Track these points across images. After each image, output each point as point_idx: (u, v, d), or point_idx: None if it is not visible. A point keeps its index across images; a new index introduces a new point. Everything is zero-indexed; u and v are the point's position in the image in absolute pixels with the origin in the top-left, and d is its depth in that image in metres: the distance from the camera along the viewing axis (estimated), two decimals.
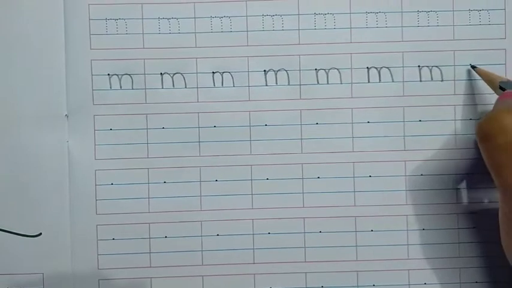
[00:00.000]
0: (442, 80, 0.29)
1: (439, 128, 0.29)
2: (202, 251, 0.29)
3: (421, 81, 0.29)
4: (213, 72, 0.29)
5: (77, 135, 0.29)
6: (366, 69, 0.29)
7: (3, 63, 0.29)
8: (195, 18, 0.29)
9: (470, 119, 0.29)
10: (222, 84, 0.29)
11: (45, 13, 0.29)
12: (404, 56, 0.29)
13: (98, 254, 0.29)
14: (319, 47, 0.29)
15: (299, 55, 0.29)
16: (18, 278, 0.29)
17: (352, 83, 0.29)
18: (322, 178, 0.29)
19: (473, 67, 0.29)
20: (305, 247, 0.29)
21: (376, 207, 0.29)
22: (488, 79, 0.28)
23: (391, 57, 0.29)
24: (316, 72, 0.29)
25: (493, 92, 0.27)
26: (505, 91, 0.25)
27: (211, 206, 0.29)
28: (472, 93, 0.29)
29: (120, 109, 0.29)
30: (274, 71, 0.29)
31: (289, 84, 0.29)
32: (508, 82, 0.26)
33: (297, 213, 0.29)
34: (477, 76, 0.29)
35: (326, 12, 0.29)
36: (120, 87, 0.29)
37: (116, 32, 0.29)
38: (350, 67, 0.29)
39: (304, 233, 0.29)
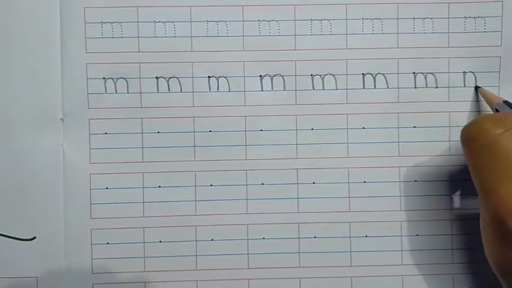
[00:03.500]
0: (436, 87, 0.29)
1: (434, 134, 0.29)
2: (196, 255, 0.29)
3: (415, 87, 0.29)
4: (208, 77, 0.29)
5: (72, 139, 0.29)
6: (362, 76, 0.29)
7: None
8: (191, 22, 0.29)
9: None
10: (218, 89, 0.29)
11: (41, 16, 0.29)
12: (399, 63, 0.29)
13: (92, 258, 0.29)
14: (315, 52, 0.29)
15: (295, 61, 0.29)
16: (12, 282, 0.29)
17: (347, 89, 0.29)
18: (317, 183, 0.29)
19: (477, 88, 0.29)
20: (299, 252, 0.29)
21: (371, 213, 0.29)
22: (488, 100, 0.28)
23: (386, 64, 0.29)
24: (312, 78, 0.29)
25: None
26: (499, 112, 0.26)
27: (206, 211, 0.29)
28: (466, 100, 0.29)
29: (115, 113, 0.29)
30: (270, 76, 0.29)
31: (284, 90, 0.29)
32: (502, 104, 0.26)
33: (292, 218, 0.29)
34: (471, 84, 0.29)
35: (322, 18, 0.29)
36: (116, 91, 0.29)
37: (112, 36, 0.29)
38: (346, 73, 0.29)
39: (299, 238, 0.29)
